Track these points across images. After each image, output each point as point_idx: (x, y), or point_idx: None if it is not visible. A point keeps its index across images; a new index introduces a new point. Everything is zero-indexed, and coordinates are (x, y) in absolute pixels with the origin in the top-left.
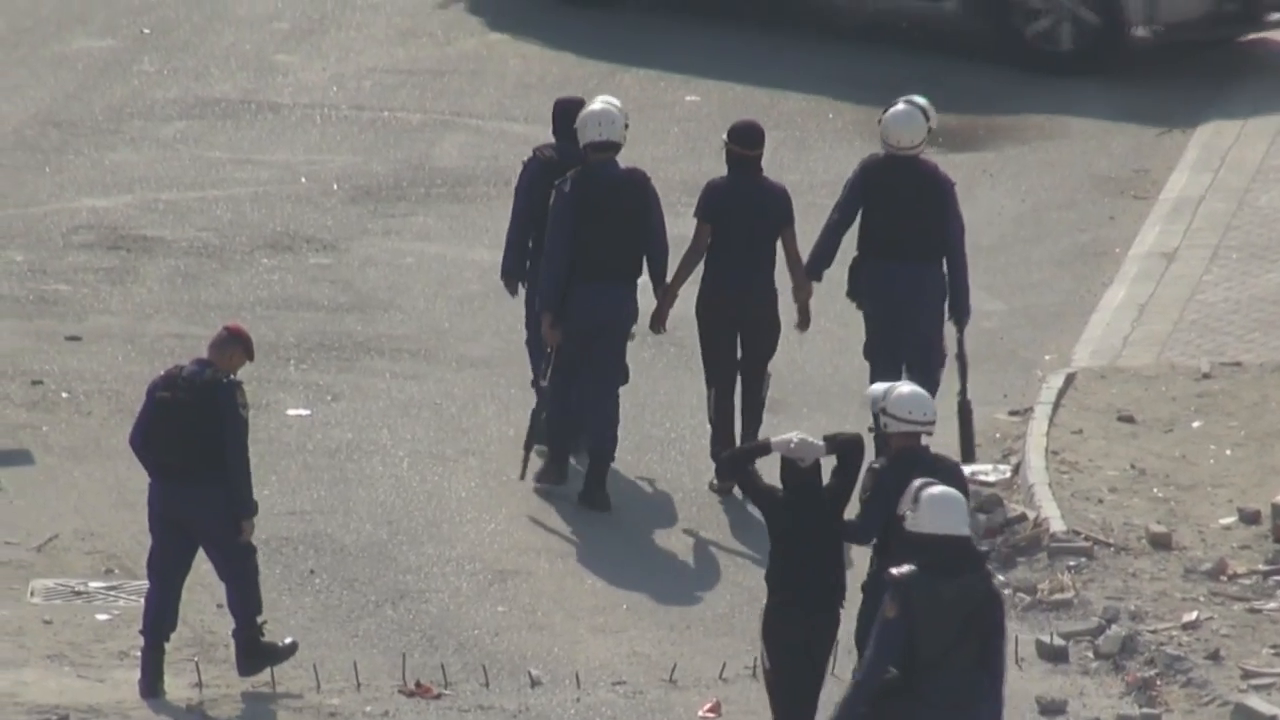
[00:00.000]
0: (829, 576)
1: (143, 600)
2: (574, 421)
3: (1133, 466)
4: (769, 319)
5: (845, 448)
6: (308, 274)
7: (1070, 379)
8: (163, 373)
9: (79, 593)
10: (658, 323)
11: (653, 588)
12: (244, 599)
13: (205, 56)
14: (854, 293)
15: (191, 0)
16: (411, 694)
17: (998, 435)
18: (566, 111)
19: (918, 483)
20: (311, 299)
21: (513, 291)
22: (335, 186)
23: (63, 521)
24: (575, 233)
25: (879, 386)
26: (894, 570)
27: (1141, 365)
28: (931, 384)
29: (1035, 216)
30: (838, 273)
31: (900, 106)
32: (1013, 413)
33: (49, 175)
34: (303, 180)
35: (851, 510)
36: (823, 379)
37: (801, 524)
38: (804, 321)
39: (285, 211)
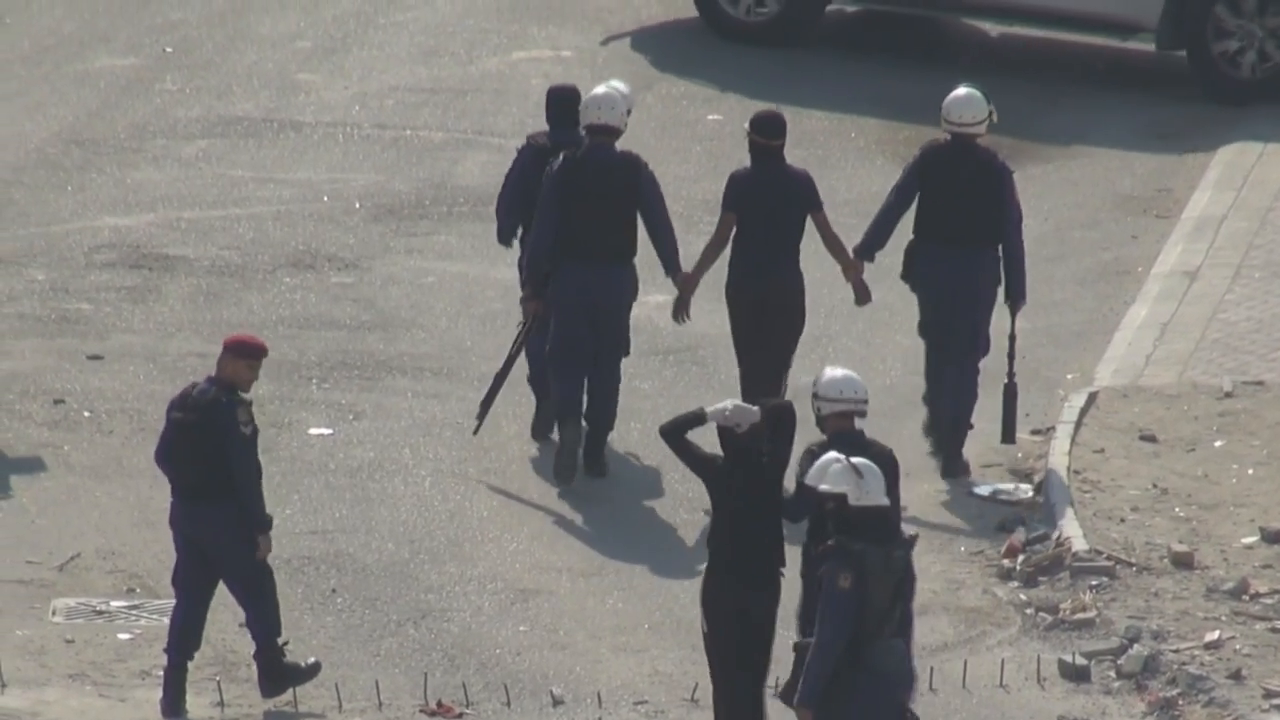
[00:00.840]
0: (768, 545)
1: (165, 619)
2: (578, 412)
3: (1155, 486)
4: (793, 305)
5: (778, 413)
6: (330, 293)
7: (1092, 398)
8: (180, 391)
9: (101, 612)
10: (679, 311)
11: (674, 607)
12: (262, 620)
13: (228, 75)
14: (908, 275)
15: (214, 19)
16: (433, 713)
17: (1020, 454)
18: (560, 99)
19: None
20: (333, 318)
21: (507, 244)
22: (358, 205)
23: (84, 540)
24: (561, 212)
25: (811, 379)
26: (835, 541)
27: (1164, 384)
28: (972, 371)
29: (1058, 235)
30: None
31: (962, 88)
32: (1035, 432)
33: (71, 194)
34: (325, 199)
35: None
36: None
37: (742, 491)
38: (861, 298)
39: (307, 230)
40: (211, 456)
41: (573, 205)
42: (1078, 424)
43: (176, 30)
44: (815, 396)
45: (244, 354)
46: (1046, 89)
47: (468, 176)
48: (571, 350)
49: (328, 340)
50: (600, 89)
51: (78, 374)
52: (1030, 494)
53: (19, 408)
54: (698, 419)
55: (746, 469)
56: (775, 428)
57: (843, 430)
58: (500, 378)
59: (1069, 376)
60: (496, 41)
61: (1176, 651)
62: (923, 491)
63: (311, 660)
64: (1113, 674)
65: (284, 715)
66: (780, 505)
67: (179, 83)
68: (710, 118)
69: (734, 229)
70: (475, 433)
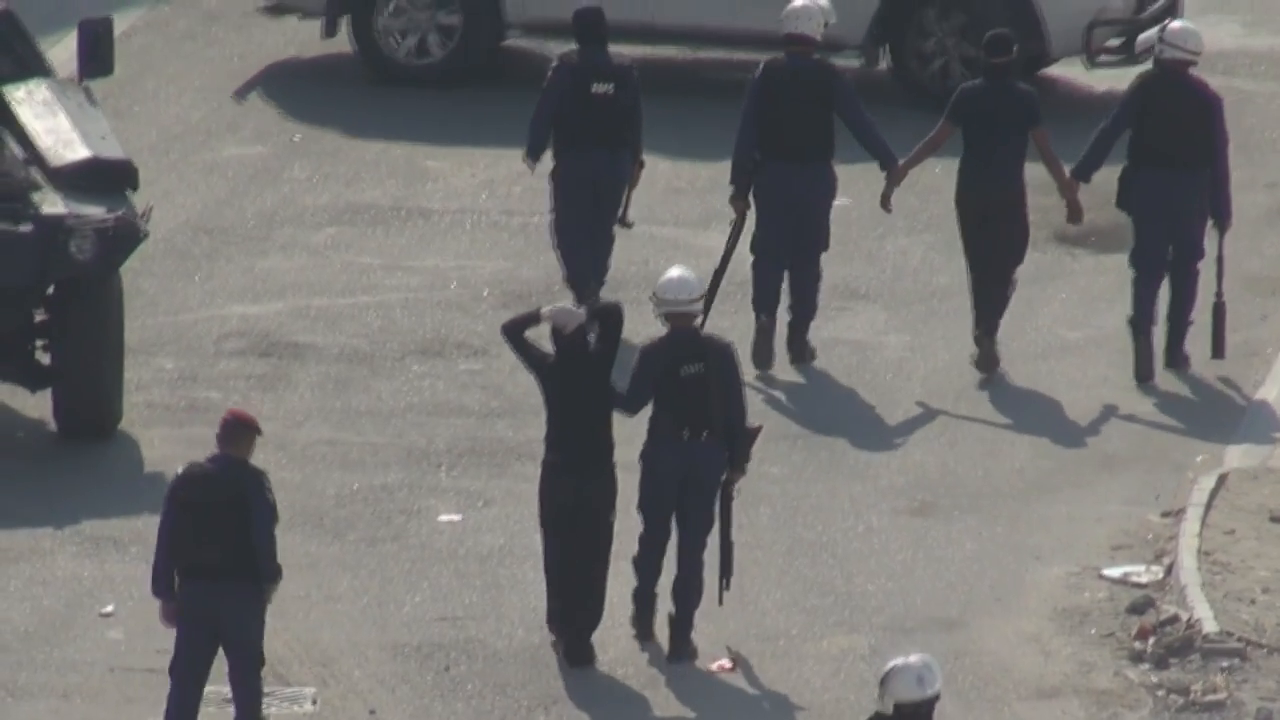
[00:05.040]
0: (596, 437)
1: (296, 706)
2: (775, 303)
3: None
4: (1013, 214)
5: (604, 314)
6: (458, 380)
7: (1222, 479)
8: (182, 475)
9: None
10: (884, 202)
11: (804, 694)
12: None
13: (355, 163)
14: (1123, 202)
15: (342, 107)
16: None
17: (1150, 536)
18: (584, 20)
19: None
20: (462, 404)
21: (532, 168)
22: (486, 292)
23: None
24: (760, 115)
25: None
26: None
27: None
28: (1192, 281)
29: None
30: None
31: (1178, 20)
32: (1165, 514)
33: (199, 282)
34: (453, 286)
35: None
36: (974, 481)
37: (570, 387)
38: (1073, 215)
39: (436, 317)
40: (238, 530)
41: (771, 109)
42: (1208, 506)
43: (304, 118)
44: (652, 297)
45: (253, 428)
46: None
47: None
48: (771, 245)
49: (456, 427)
50: (798, 2)
51: None
52: (1161, 576)
53: (149, 497)
54: (534, 318)
55: (574, 366)
56: (603, 328)
57: (680, 328)
58: (719, 274)
59: (1198, 458)
60: None
61: None
62: (1053, 575)
63: None
64: None
65: None
66: (607, 400)
67: (307, 171)
68: (839, 202)
69: (948, 137)
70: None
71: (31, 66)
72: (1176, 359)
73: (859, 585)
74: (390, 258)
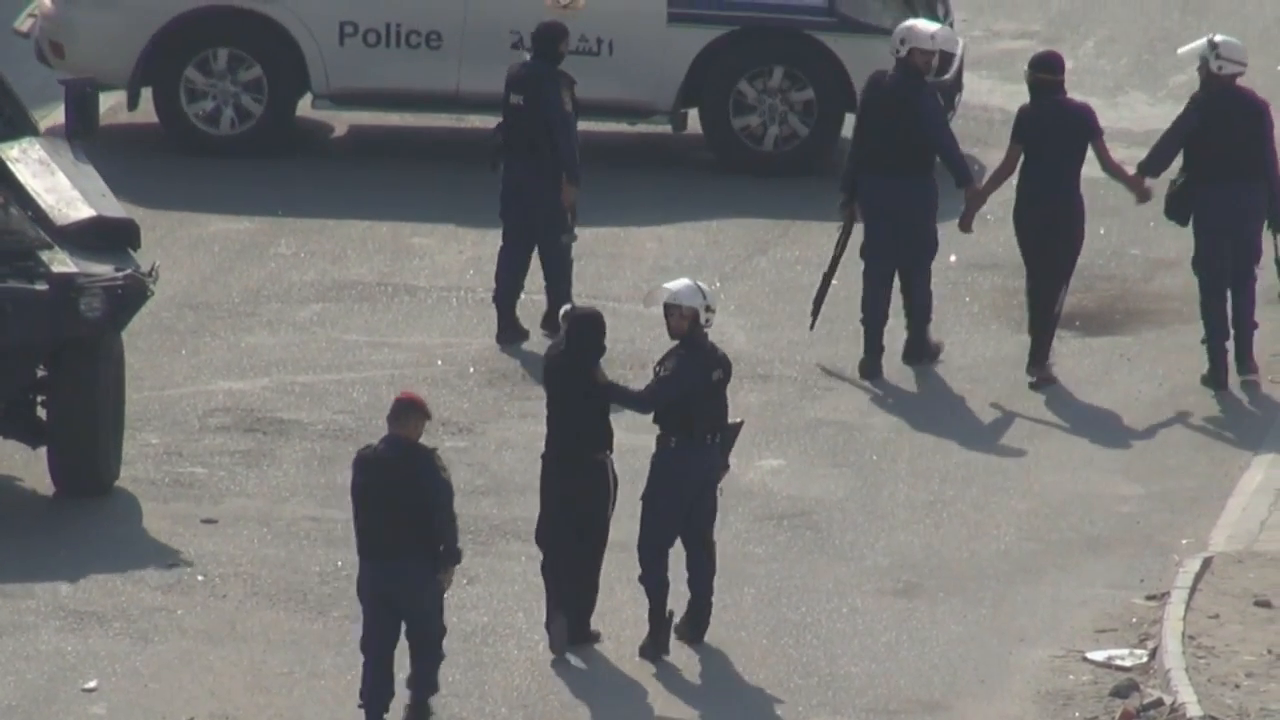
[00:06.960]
0: (581, 434)
1: None
2: (882, 315)
3: (1270, 651)
4: (1071, 227)
5: (572, 319)
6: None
7: (1207, 563)
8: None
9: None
10: (965, 224)
11: None
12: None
13: (342, 239)
14: (1171, 212)
15: (327, 183)
16: None
17: (1134, 620)
18: (544, 34)
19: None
20: None
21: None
22: (471, 370)
23: (198, 705)
24: (861, 129)
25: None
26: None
27: (1279, 549)
28: (1251, 289)
29: (1173, 400)
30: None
31: (1223, 36)
32: (1149, 597)
33: (185, 358)
34: (439, 363)
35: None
36: (959, 563)
37: (556, 391)
38: (1141, 197)
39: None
40: (412, 508)
41: (869, 124)
42: (1192, 589)
43: (290, 194)
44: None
45: (423, 409)
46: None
47: None
48: (874, 254)
49: None
50: (920, 22)
51: (192, 538)
52: (1145, 659)
53: (132, 572)
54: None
55: (557, 371)
56: (569, 332)
57: (693, 336)
58: (827, 279)
59: (1184, 542)
60: (609, 206)
61: None
62: (1037, 657)
63: None
64: None
65: None
66: (592, 400)
67: (293, 247)
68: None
69: (1019, 159)
70: (811, 329)
71: (20, 125)
72: (1247, 366)
73: (843, 667)
74: (376, 334)
